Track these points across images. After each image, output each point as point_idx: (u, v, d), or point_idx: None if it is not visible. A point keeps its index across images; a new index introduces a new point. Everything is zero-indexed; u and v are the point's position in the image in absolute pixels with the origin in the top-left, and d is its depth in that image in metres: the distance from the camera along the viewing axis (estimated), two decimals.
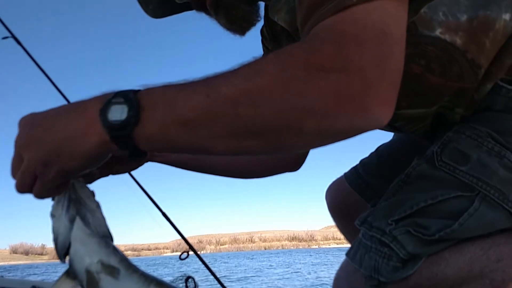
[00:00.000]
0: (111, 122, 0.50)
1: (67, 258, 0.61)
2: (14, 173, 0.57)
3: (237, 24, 0.81)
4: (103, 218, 0.63)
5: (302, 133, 0.47)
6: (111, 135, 0.50)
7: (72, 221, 0.59)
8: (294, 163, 0.94)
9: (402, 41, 0.48)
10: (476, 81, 0.66)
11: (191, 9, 0.95)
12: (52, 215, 0.61)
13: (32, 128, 0.54)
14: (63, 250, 0.60)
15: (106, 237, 0.61)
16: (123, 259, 0.59)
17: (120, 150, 0.52)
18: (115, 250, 0.60)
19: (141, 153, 0.54)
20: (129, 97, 0.50)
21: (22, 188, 0.57)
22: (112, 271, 0.58)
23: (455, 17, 0.63)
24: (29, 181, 0.56)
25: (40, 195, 0.58)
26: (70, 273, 0.60)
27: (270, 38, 0.90)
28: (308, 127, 0.46)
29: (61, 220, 0.60)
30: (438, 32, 0.64)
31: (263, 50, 0.96)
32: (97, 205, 0.63)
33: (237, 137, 0.48)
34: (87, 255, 0.59)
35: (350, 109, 0.45)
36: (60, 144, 0.52)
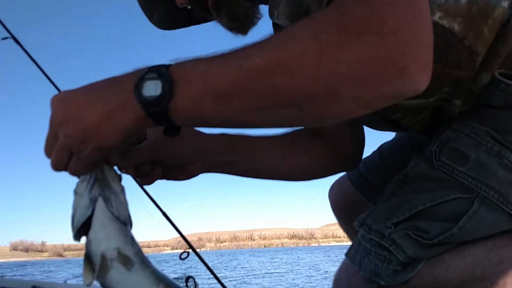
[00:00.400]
0: (146, 98, 0.50)
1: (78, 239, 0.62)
2: (48, 152, 0.58)
3: (238, 21, 0.81)
4: (126, 203, 0.63)
5: (339, 101, 0.46)
6: (147, 110, 0.50)
7: (93, 201, 0.60)
8: (353, 160, 0.91)
9: (427, 2, 0.48)
10: (474, 69, 0.65)
11: (197, 23, 0.95)
12: (75, 192, 0.61)
13: (67, 105, 0.54)
14: (76, 227, 0.60)
15: (126, 222, 0.61)
16: (138, 251, 0.60)
17: (156, 125, 0.53)
18: (133, 241, 0.60)
19: (176, 127, 0.55)
20: (161, 72, 0.50)
21: (57, 165, 0.57)
22: (127, 261, 0.58)
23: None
24: (65, 158, 0.57)
25: (76, 172, 0.59)
26: (86, 256, 0.60)
27: None
28: (346, 93, 0.45)
29: (82, 198, 0.60)
30: (437, 16, 0.62)
31: None
32: (122, 189, 0.63)
33: (273, 108, 0.48)
34: (105, 240, 0.59)
35: (389, 73, 0.44)
36: (97, 120, 0.52)
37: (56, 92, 1.10)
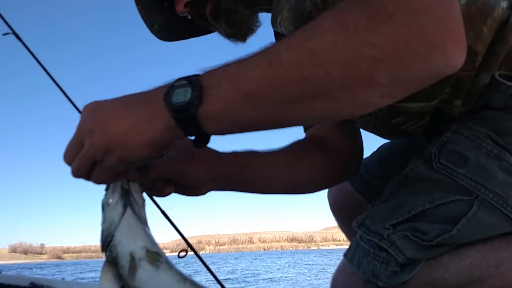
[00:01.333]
0: (176, 105, 0.50)
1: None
2: (69, 157, 0.57)
3: (237, 27, 0.81)
4: (145, 215, 0.63)
5: (374, 85, 0.45)
6: (176, 118, 0.50)
7: (125, 209, 0.60)
8: (353, 169, 0.90)
9: None
10: (474, 69, 0.65)
11: (198, 35, 0.95)
12: (106, 204, 0.62)
13: (97, 114, 0.55)
14: (109, 238, 0.60)
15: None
16: (162, 252, 0.60)
17: (185, 134, 0.52)
18: (156, 243, 0.61)
19: (206, 136, 0.55)
20: (191, 79, 0.50)
21: (78, 172, 0.57)
22: (156, 258, 0.59)
23: None
24: (87, 166, 0.57)
25: (98, 181, 0.59)
26: (111, 260, 0.60)
27: None
28: (381, 77, 0.44)
29: (116, 209, 0.61)
30: None
31: None
32: (143, 202, 0.64)
33: (305, 101, 0.47)
34: (133, 240, 0.59)
35: (424, 51, 0.43)
36: (124, 131, 0.52)
37: (56, 88, 1.11)
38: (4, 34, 1.22)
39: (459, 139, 0.66)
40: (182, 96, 0.50)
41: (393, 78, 0.45)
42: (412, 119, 0.74)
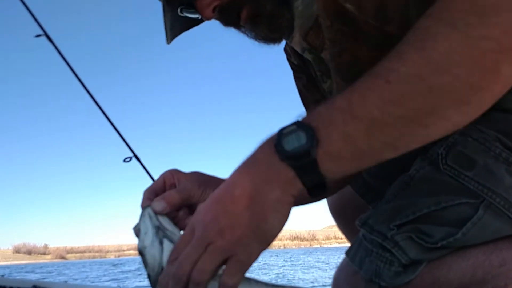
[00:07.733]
0: (292, 152, 0.46)
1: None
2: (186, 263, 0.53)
3: (279, 33, 0.78)
4: None
5: (501, 78, 0.45)
6: (295, 166, 0.46)
7: (162, 244, 0.61)
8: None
9: None
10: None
11: (187, 29, 0.92)
12: (143, 247, 0.62)
13: (222, 210, 0.50)
14: (158, 276, 0.60)
15: None
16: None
17: (304, 184, 0.48)
18: None
19: (325, 183, 0.49)
20: (299, 123, 0.47)
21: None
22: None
23: None
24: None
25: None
26: None
27: (293, 53, 0.90)
28: (505, 68, 0.44)
29: (154, 247, 0.61)
30: None
31: (291, 67, 0.95)
32: (179, 230, 0.65)
33: (437, 113, 0.46)
34: None
35: None
36: (244, 216, 0.48)
37: (82, 90, 1.10)
38: (37, 36, 1.22)
39: (467, 141, 0.64)
40: (296, 141, 0.46)
41: None
42: None
